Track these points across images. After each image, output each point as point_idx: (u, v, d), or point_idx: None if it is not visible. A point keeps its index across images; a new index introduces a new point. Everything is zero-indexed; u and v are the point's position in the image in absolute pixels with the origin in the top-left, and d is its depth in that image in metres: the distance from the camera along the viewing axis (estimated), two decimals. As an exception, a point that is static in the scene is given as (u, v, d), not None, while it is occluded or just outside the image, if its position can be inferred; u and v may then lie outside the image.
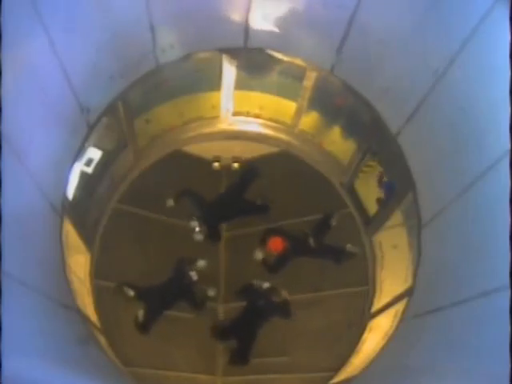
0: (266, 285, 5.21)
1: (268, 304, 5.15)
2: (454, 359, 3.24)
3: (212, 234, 5.44)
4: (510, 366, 2.52)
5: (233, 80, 5.41)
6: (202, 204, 5.46)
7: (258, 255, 5.35)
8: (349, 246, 5.34)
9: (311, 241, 5.36)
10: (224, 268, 5.43)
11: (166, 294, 5.15)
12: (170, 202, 5.36)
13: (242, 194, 5.55)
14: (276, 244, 5.39)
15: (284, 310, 5.16)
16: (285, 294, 5.19)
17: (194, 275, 5.23)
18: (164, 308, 5.11)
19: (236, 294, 5.21)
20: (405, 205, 4.75)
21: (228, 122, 5.79)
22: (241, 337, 5.09)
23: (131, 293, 5.07)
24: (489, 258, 3.31)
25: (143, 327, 5.02)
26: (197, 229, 5.39)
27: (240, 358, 5.05)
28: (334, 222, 5.42)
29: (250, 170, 5.60)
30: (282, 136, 5.78)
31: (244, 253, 5.46)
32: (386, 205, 5.11)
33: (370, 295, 5.24)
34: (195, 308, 5.15)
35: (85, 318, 4.47)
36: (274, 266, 5.33)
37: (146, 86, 4.98)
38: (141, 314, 5.03)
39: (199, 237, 5.37)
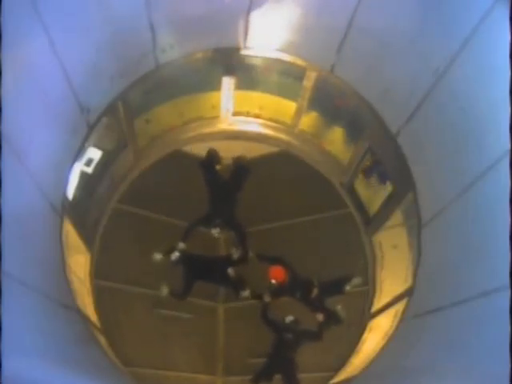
0: (289, 318, 5.15)
1: (297, 335, 5.12)
2: (454, 359, 3.24)
3: (233, 228, 5.51)
4: (510, 365, 2.52)
5: (233, 80, 5.41)
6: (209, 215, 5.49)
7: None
8: (339, 308, 5.20)
9: (314, 291, 5.25)
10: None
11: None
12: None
13: (237, 189, 5.56)
14: (277, 273, 5.32)
15: (316, 334, 5.11)
16: (319, 316, 5.14)
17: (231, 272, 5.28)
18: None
19: (262, 321, 5.18)
20: (405, 205, 4.75)
21: (228, 121, 5.79)
22: (283, 370, 5.10)
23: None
24: (489, 258, 3.31)
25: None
26: (216, 234, 5.48)
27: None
28: (347, 288, 5.25)
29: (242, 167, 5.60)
30: (282, 136, 5.78)
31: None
32: (386, 204, 5.11)
33: (370, 295, 5.24)
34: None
35: (85, 318, 4.47)
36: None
37: (146, 86, 4.98)
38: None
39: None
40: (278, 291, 5.28)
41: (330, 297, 5.27)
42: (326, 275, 5.32)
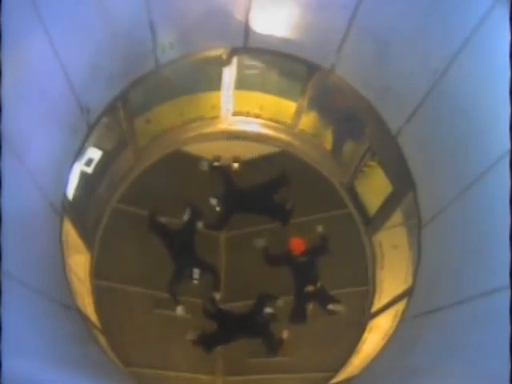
0: (268, 310, 5.13)
1: (262, 329, 5.10)
2: (454, 359, 3.24)
3: (223, 219, 5.51)
4: (510, 366, 2.52)
5: (233, 80, 5.41)
6: (230, 188, 5.55)
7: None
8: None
9: (317, 285, 5.30)
10: (224, 267, 5.46)
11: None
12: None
13: (269, 195, 5.57)
14: (296, 245, 5.40)
15: (273, 346, 5.07)
16: (285, 333, 5.10)
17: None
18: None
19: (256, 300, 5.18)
20: (405, 205, 4.75)
21: (228, 121, 5.79)
22: (221, 327, 5.12)
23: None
24: (489, 258, 3.31)
25: None
26: (217, 208, 5.49)
27: (207, 345, 5.08)
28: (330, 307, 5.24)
29: (282, 176, 5.60)
30: (282, 136, 5.78)
31: (244, 253, 5.50)
32: (386, 204, 5.11)
33: (370, 295, 5.24)
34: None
35: (85, 318, 4.47)
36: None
37: (146, 86, 4.98)
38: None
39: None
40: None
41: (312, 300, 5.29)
42: (325, 275, 5.32)
